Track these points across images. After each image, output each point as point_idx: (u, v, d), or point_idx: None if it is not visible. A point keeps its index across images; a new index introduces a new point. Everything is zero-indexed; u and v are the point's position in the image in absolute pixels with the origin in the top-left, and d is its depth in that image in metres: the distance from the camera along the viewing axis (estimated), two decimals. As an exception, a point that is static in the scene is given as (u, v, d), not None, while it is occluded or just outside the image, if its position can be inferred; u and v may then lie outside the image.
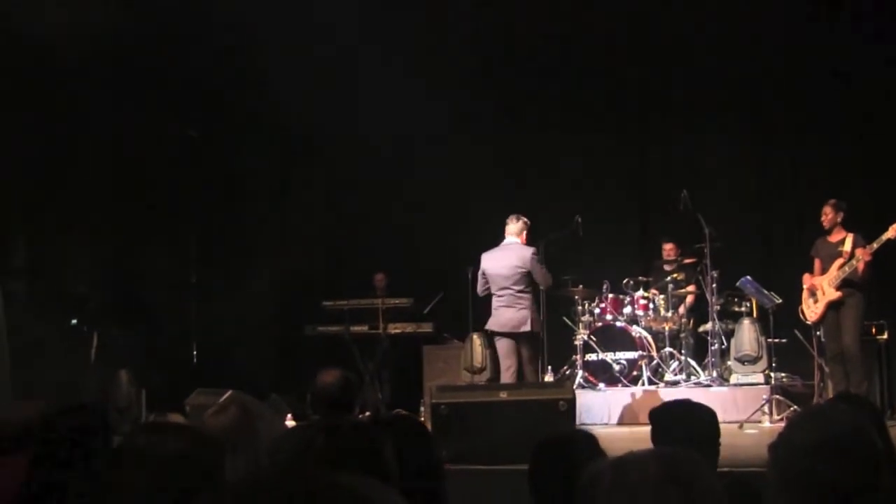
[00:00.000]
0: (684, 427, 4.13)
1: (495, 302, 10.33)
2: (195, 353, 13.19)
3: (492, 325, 10.44)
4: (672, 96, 13.93)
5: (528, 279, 10.21)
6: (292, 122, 13.53)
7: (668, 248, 12.78)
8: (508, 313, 10.20)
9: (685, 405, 4.42)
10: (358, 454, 2.65)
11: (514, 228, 10.40)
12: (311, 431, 2.75)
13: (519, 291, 10.17)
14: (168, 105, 13.05)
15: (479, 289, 10.55)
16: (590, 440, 3.59)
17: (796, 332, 11.04)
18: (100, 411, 3.72)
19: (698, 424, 4.20)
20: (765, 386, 10.77)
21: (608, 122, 14.01)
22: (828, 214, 10.28)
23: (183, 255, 13.43)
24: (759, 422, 10.07)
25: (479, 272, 10.50)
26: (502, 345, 10.36)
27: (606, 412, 11.15)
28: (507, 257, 10.28)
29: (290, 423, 9.19)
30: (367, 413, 12.18)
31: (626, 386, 11.58)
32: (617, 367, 11.73)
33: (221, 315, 13.00)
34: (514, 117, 14.24)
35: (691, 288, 12.38)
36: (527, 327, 10.13)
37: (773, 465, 2.54)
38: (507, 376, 10.27)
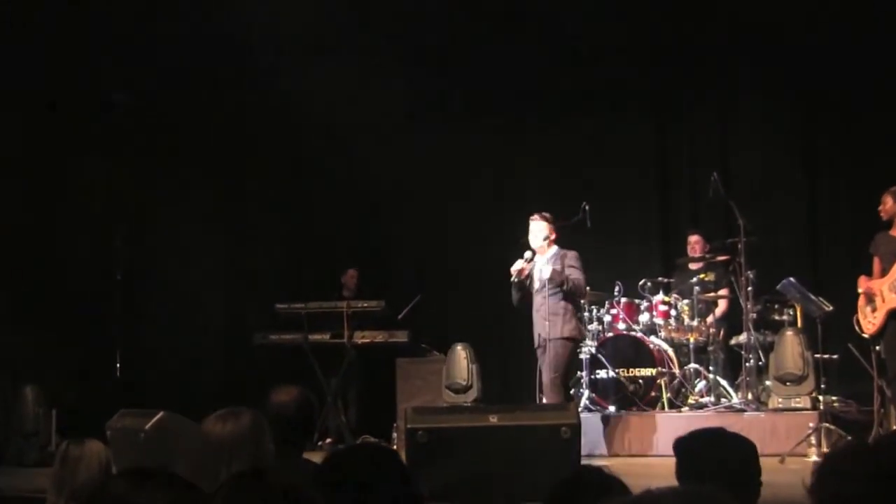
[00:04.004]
0: (716, 462, 4.11)
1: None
2: (119, 365, 13.10)
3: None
4: (697, 59, 13.89)
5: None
6: (241, 92, 13.57)
7: (694, 241, 12.72)
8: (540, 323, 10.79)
9: (718, 435, 4.40)
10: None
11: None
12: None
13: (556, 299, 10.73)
14: (89, 67, 12.99)
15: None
16: (618, 488, 3.54)
17: (850, 346, 11.00)
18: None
19: (733, 460, 4.19)
20: (812, 412, 10.72)
21: (620, 91, 13.98)
22: (886, 203, 10.24)
23: (106, 246, 13.34)
24: (805, 455, 10.02)
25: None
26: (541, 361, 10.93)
27: (618, 441, 11.15)
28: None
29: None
30: (329, 440, 12.18)
31: (643, 410, 11.57)
32: (631, 387, 11.73)
33: (152, 319, 12.93)
34: (506, 87, 14.21)
35: (723, 292, 12.37)
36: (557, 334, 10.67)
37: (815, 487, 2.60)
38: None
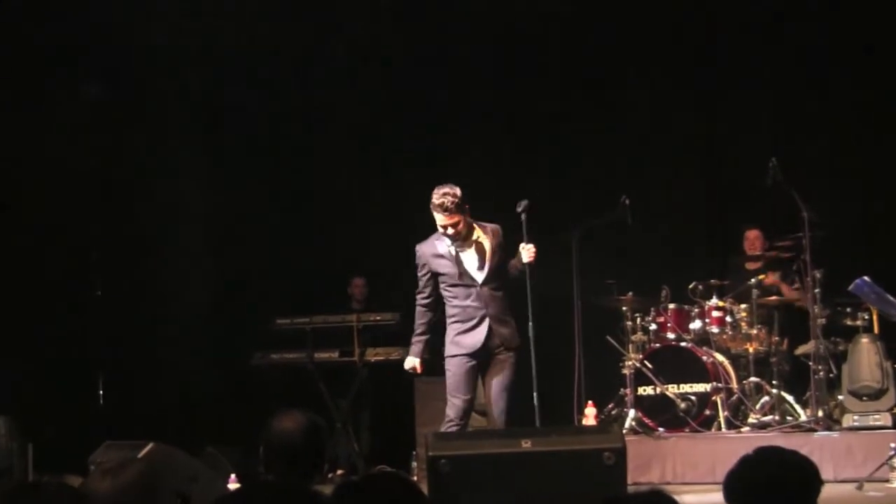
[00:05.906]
0: (769, 485, 4.09)
1: None
2: (102, 391, 13.11)
3: None
4: (752, 25, 13.82)
5: None
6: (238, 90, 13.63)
7: (753, 237, 12.67)
8: None
9: (772, 454, 4.37)
10: None
11: None
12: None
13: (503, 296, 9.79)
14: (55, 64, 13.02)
15: None
16: None
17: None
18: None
19: (790, 481, 4.15)
20: (893, 430, 10.65)
21: (663, 65, 13.93)
22: None
23: (83, 258, 13.35)
24: (887, 481, 9.94)
25: None
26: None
27: (668, 467, 11.11)
28: None
29: (233, 485, 9.13)
30: (340, 471, 12.16)
31: (696, 431, 11.52)
32: (682, 405, 11.67)
33: (137, 340, 12.92)
34: (528, 64, 14.19)
35: (787, 294, 12.34)
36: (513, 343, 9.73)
37: None
38: None
